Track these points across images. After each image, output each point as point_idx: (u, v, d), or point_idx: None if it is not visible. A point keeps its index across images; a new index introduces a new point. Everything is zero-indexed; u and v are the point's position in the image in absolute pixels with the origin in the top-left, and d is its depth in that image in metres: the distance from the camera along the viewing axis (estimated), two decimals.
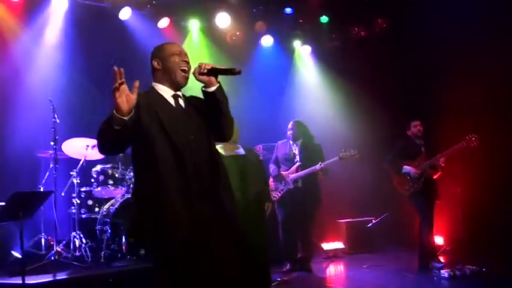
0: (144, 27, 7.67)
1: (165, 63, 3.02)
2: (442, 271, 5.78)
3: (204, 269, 2.81)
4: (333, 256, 7.59)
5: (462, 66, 7.39)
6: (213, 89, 2.96)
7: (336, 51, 9.08)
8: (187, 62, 3.05)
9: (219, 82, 3.00)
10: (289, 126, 6.69)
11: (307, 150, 6.59)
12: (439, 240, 7.71)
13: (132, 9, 7.40)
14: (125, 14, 7.37)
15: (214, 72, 2.96)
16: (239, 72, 2.97)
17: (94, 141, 6.22)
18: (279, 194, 6.55)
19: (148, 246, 2.97)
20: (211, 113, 3.03)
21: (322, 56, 9.20)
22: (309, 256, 6.64)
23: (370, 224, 7.84)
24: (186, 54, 3.07)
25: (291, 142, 6.68)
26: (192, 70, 3.03)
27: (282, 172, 6.62)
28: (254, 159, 5.44)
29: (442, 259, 6.69)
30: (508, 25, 6.96)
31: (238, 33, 8.38)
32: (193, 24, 8.14)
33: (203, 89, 3.00)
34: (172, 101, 3.02)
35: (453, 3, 7.18)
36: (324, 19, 8.66)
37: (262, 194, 5.39)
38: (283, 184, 6.54)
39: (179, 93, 3.08)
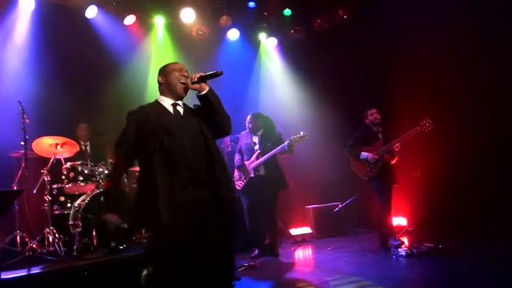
0: (110, 24, 7.79)
1: (167, 78, 3.66)
2: (400, 249, 6.11)
3: (191, 247, 3.38)
4: (301, 241, 7.90)
5: (420, 56, 7.74)
6: (205, 92, 3.56)
7: (301, 43, 9.29)
8: (187, 77, 3.61)
9: (209, 86, 3.59)
10: (248, 119, 6.92)
11: (268, 139, 6.81)
12: (402, 221, 8.09)
13: (98, 7, 7.52)
14: (91, 12, 7.48)
15: (203, 79, 3.56)
16: (222, 73, 3.60)
17: (63, 139, 6.40)
18: (242, 183, 6.80)
19: (145, 226, 3.64)
20: (208, 113, 3.60)
21: (287, 48, 9.42)
22: (276, 241, 6.90)
23: (337, 209, 8.12)
24: (186, 70, 3.67)
25: (251, 134, 6.92)
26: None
27: (245, 162, 6.87)
28: None
29: (405, 239, 7.05)
30: (457, 19, 7.33)
31: (204, 27, 8.55)
32: (159, 21, 8.27)
33: (197, 94, 3.59)
34: (171, 109, 3.62)
35: None
36: (287, 12, 8.90)
37: None
38: (246, 173, 6.79)
39: (179, 102, 3.67)
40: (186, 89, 3.62)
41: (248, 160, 6.86)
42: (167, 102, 3.63)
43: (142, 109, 3.60)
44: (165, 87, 3.66)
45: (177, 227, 3.33)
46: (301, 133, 6.63)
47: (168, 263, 3.32)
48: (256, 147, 6.83)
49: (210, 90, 3.57)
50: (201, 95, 3.56)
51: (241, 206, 6.85)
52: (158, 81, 3.70)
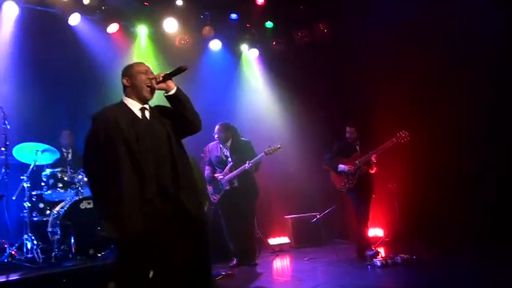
0: (93, 32, 7.78)
1: (133, 81, 3.49)
2: (375, 260, 6.23)
3: (156, 260, 3.29)
4: (279, 250, 7.98)
5: (397, 69, 7.92)
6: (173, 91, 3.44)
7: (282, 55, 9.37)
8: (152, 79, 3.48)
9: (176, 85, 3.47)
10: (216, 129, 6.86)
11: (238, 150, 6.84)
12: (378, 232, 8.21)
13: (82, 15, 7.48)
14: (75, 19, 7.45)
15: (168, 77, 3.45)
16: (186, 68, 3.47)
17: (44, 146, 6.40)
18: (218, 196, 6.84)
19: (112, 240, 3.46)
20: (178, 112, 3.48)
21: (268, 60, 9.49)
22: (254, 251, 6.93)
23: (315, 219, 8.15)
24: (151, 72, 3.54)
25: (221, 145, 6.92)
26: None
27: (217, 175, 6.86)
28: (191, 161, 5.72)
29: (381, 250, 7.18)
30: (432, 32, 7.55)
31: (186, 37, 8.60)
32: (142, 30, 8.29)
33: (165, 94, 3.47)
34: (139, 114, 3.47)
35: (384, 11, 7.66)
36: (269, 24, 9.01)
37: (201, 193, 5.72)
38: (220, 186, 6.82)
39: (146, 106, 3.53)
40: (152, 92, 3.49)
41: (220, 173, 6.88)
42: (135, 106, 3.48)
43: (110, 113, 3.41)
44: (131, 90, 3.50)
45: (144, 243, 3.21)
46: (276, 145, 6.66)
47: (134, 282, 3.23)
48: (229, 159, 6.84)
49: (178, 89, 3.46)
50: (169, 95, 3.45)
51: (216, 217, 6.94)
52: (123, 84, 3.54)
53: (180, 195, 3.34)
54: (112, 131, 3.29)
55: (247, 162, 6.62)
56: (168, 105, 3.56)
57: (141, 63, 3.63)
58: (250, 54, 9.46)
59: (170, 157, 3.40)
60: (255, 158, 6.69)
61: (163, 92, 3.49)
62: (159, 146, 3.39)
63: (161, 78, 3.43)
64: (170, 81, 3.45)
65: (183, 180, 3.39)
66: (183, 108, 3.46)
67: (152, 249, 3.25)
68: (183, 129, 3.54)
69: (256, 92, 9.44)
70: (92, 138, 3.37)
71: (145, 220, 3.19)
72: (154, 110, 3.59)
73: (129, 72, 3.54)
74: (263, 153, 6.68)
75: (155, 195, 3.28)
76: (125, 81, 3.53)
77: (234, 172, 6.73)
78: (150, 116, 3.51)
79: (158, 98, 3.61)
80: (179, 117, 3.49)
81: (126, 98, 3.53)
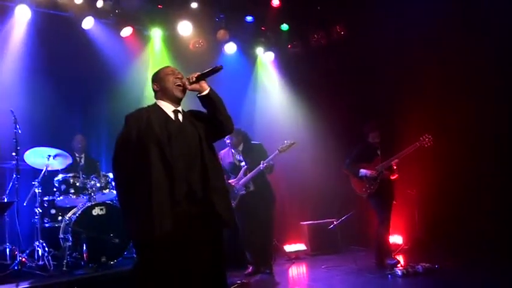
0: (107, 36, 7.70)
1: (162, 84, 3.52)
2: (396, 269, 6.02)
3: (179, 263, 3.22)
4: (295, 258, 7.78)
5: (417, 71, 7.73)
6: (206, 92, 3.44)
7: (297, 58, 9.25)
8: (181, 78, 3.50)
9: (209, 86, 3.47)
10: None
11: (250, 153, 6.68)
12: (398, 239, 7.99)
13: (95, 18, 7.40)
14: (88, 23, 7.37)
15: (202, 77, 3.45)
16: (221, 67, 3.48)
17: (56, 151, 6.32)
18: (234, 202, 6.62)
19: (139, 240, 3.34)
20: (210, 114, 3.50)
21: (284, 63, 9.38)
22: (270, 258, 6.75)
23: (332, 226, 7.97)
24: (179, 72, 3.55)
25: (233, 150, 6.76)
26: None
27: (231, 181, 6.66)
28: None
29: (400, 258, 6.97)
30: (459, 34, 7.37)
31: (201, 41, 8.49)
32: (156, 33, 8.22)
33: (198, 95, 3.48)
34: (172, 116, 3.47)
35: (406, 9, 7.49)
36: (285, 27, 8.87)
37: None
38: (236, 191, 6.65)
39: (179, 108, 3.53)
40: (183, 91, 3.49)
41: (234, 178, 6.70)
42: (167, 108, 3.48)
43: (144, 113, 3.42)
44: (162, 93, 3.52)
45: (168, 246, 3.18)
46: (289, 141, 6.46)
47: (156, 283, 3.18)
48: (242, 163, 6.68)
49: (212, 90, 3.46)
50: (202, 96, 3.45)
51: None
52: (153, 89, 3.57)
53: (211, 198, 3.33)
54: (144, 131, 3.31)
55: (261, 162, 6.46)
56: (200, 108, 3.57)
57: (167, 66, 3.66)
58: (265, 57, 9.36)
59: (200, 159, 3.39)
60: (269, 157, 6.53)
61: (196, 93, 3.49)
62: (190, 148, 3.39)
63: (194, 79, 3.44)
64: (203, 81, 3.46)
65: (213, 183, 3.37)
66: (216, 109, 3.46)
67: (179, 252, 3.22)
68: (215, 131, 3.53)
69: (272, 95, 9.34)
70: (124, 138, 3.37)
71: (174, 222, 3.18)
72: (187, 113, 3.58)
73: (157, 76, 3.58)
74: (277, 151, 6.49)
75: (184, 197, 3.26)
76: (154, 86, 3.57)
77: (249, 175, 6.56)
78: (182, 119, 3.50)
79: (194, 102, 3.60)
80: (211, 118, 3.49)
81: (158, 100, 3.55)
